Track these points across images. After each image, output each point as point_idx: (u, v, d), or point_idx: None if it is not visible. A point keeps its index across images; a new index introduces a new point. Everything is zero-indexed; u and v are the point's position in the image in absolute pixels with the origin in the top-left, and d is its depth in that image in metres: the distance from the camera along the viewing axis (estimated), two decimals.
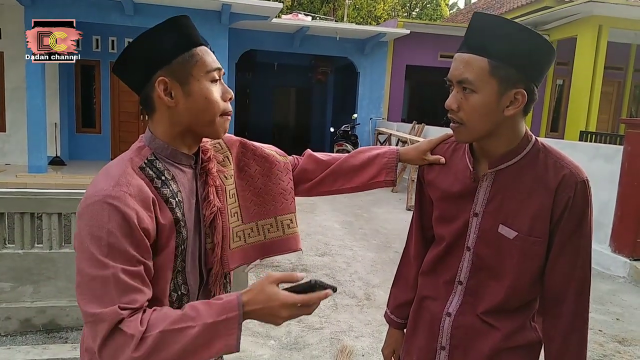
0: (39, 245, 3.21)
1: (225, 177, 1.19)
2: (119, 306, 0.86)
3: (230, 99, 1.08)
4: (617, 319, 3.92)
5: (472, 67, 1.05)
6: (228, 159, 1.22)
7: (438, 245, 1.30)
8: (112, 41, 10.56)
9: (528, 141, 1.15)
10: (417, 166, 1.38)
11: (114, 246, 0.89)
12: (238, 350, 0.88)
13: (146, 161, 1.01)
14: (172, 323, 0.86)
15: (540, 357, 1.27)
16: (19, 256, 3.13)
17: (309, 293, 0.91)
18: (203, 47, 1.04)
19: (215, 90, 1.04)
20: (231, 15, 9.21)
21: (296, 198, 1.36)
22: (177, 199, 1.02)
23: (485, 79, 1.05)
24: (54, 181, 7.87)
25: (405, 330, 1.43)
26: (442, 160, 1.29)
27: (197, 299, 1.11)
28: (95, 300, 0.87)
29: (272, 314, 0.90)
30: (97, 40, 10.46)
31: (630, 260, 4.96)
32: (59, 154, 9.85)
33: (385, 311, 1.50)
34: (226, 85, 1.08)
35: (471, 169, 1.20)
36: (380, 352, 1.48)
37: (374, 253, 5.36)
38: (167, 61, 1.00)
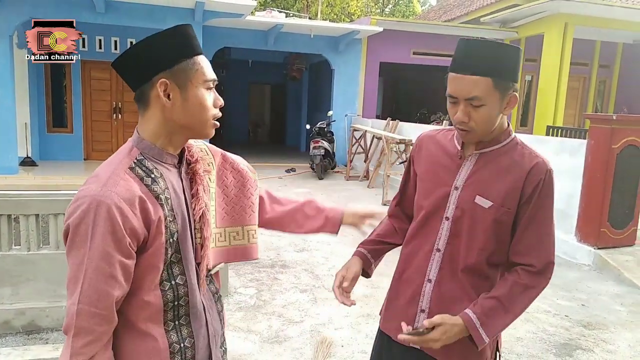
0: (16, 247, 3.20)
1: (210, 180, 1.27)
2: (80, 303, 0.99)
3: (221, 105, 1.17)
4: (583, 305, 4.12)
5: (480, 87, 1.27)
6: (212, 164, 1.31)
7: (416, 217, 1.50)
8: (83, 39, 10.37)
9: (509, 134, 1.40)
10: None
11: (94, 246, 0.98)
12: None
13: (135, 161, 1.08)
14: None
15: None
16: None
17: None
18: (203, 57, 1.13)
19: (209, 98, 1.14)
20: (205, 12, 9.17)
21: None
22: (165, 196, 1.09)
23: (491, 93, 1.28)
24: (26, 182, 7.73)
25: (367, 269, 1.59)
26: (376, 215, 1.56)
27: (198, 291, 1.18)
28: (70, 284, 0.99)
29: None
30: None
31: (594, 249, 5.19)
32: (29, 155, 9.63)
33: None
34: (217, 94, 1.18)
35: (459, 149, 1.42)
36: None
37: (351, 247, 5.37)
38: (170, 65, 1.08)
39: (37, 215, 3.18)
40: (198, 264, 1.21)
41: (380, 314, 1.63)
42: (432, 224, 1.43)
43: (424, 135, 1.58)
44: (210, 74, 1.13)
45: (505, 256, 1.39)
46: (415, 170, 1.54)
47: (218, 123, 1.18)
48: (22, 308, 3.17)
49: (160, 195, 1.08)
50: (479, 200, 1.35)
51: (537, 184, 1.31)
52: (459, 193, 1.38)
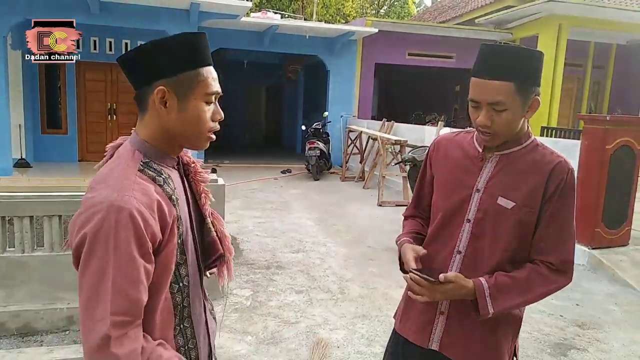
0: (10, 249, 3.19)
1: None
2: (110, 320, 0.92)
3: (220, 119, 1.14)
4: (577, 305, 4.14)
5: (502, 91, 1.28)
6: None
7: (434, 219, 1.50)
8: (77, 40, 10.32)
9: (529, 136, 1.42)
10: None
11: (120, 253, 0.93)
12: None
13: (142, 163, 1.06)
14: None
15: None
16: None
17: None
18: (210, 68, 1.10)
19: (208, 111, 1.11)
20: (200, 14, 9.15)
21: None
22: (175, 196, 1.09)
23: (512, 98, 1.29)
24: (21, 184, 7.68)
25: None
26: None
27: (200, 290, 1.20)
28: (92, 295, 0.92)
29: None
30: None
31: (588, 249, 5.22)
32: (24, 156, 9.59)
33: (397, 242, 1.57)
34: (219, 107, 1.15)
35: (480, 151, 1.44)
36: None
37: (347, 248, 5.47)
38: (172, 74, 1.06)
39: (31, 217, 3.17)
40: (198, 264, 1.21)
41: (394, 316, 1.63)
42: (451, 226, 1.43)
43: (441, 137, 1.58)
44: (213, 87, 1.10)
45: (527, 256, 1.39)
46: (432, 172, 1.55)
47: (214, 136, 1.15)
48: (17, 310, 3.15)
49: (172, 196, 1.07)
50: (502, 201, 1.36)
51: (559, 183, 1.34)
52: (480, 195, 1.39)
